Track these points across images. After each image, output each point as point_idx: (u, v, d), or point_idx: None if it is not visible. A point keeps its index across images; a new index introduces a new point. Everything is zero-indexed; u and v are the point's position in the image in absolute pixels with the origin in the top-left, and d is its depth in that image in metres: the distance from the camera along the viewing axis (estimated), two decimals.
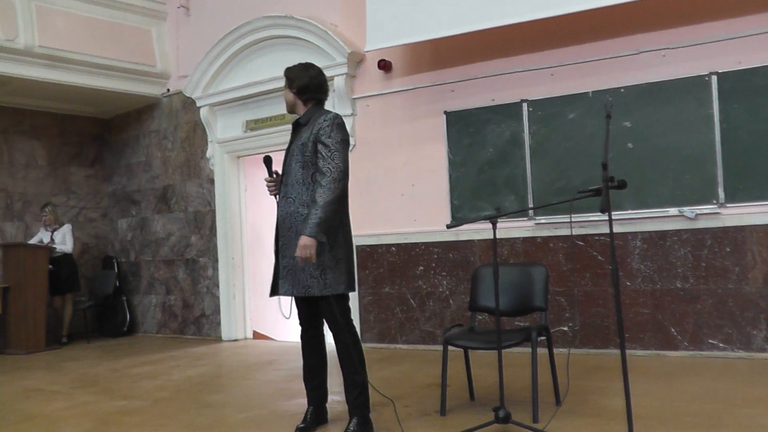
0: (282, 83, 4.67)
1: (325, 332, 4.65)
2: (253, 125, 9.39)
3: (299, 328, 4.63)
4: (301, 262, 4.18)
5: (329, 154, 4.26)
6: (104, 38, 9.71)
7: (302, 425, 4.55)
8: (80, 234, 10.95)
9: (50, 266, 9.80)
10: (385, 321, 8.15)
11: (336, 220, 4.28)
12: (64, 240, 10.08)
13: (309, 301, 4.50)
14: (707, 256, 6.50)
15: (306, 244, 4.12)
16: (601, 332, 6.94)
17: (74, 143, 11.26)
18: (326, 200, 4.16)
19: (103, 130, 11.59)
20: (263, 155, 4.69)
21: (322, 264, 4.27)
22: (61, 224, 10.22)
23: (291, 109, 4.62)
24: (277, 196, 4.53)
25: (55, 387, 6.81)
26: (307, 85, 4.53)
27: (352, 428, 4.34)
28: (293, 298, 4.56)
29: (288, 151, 4.50)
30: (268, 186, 4.59)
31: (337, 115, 4.44)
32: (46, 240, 10.04)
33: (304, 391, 4.67)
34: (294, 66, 4.62)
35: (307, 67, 4.60)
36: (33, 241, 10.06)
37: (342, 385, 4.52)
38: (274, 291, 4.51)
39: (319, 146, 4.30)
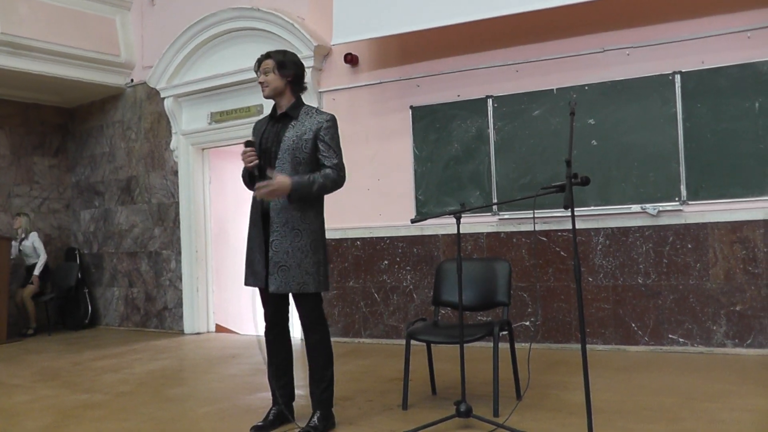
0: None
1: (290, 328, 4.62)
2: (218, 117, 9.32)
3: (264, 325, 4.55)
4: (261, 196, 4.16)
5: (335, 154, 4.34)
6: (68, 26, 9.58)
7: (260, 423, 4.47)
8: (43, 225, 10.83)
9: (34, 287, 10.21)
10: (349, 315, 8.15)
11: (311, 201, 4.30)
12: (34, 250, 10.28)
13: (282, 298, 4.43)
14: (669, 253, 6.57)
15: (282, 186, 4.12)
16: (563, 327, 7.00)
17: (37, 132, 11.10)
18: (325, 183, 4.25)
19: (66, 119, 11.45)
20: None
21: (318, 261, 4.29)
22: (28, 234, 10.35)
23: (273, 96, 4.39)
24: (256, 172, 4.30)
25: (16, 380, 6.73)
26: (300, 75, 4.46)
27: (314, 423, 4.32)
28: (258, 294, 4.48)
29: (276, 140, 4.33)
30: (248, 156, 4.25)
31: (334, 116, 4.46)
32: (14, 253, 10.19)
33: (267, 385, 4.63)
34: (281, 51, 4.48)
35: (294, 54, 4.52)
36: (13, 250, 10.22)
37: (305, 379, 4.49)
38: (251, 282, 4.40)
39: (322, 145, 4.32)
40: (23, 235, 10.29)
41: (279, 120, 4.42)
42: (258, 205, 4.36)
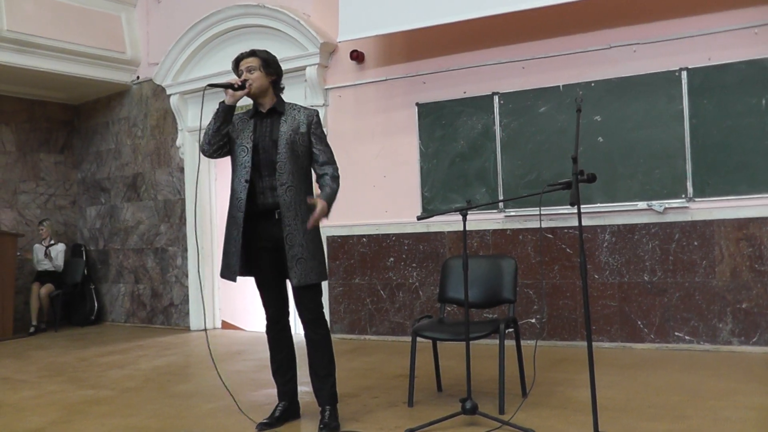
0: None
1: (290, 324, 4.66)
2: None
3: (267, 320, 4.60)
4: (314, 224, 4.26)
5: (327, 148, 4.49)
6: (73, 24, 9.59)
7: (266, 420, 4.49)
8: (50, 221, 10.84)
9: (53, 287, 10.35)
10: (355, 312, 8.16)
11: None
12: (57, 257, 10.46)
13: (283, 294, 4.52)
14: (675, 250, 6.56)
15: (325, 207, 4.27)
16: (569, 324, 6.99)
17: (43, 129, 11.13)
18: (338, 186, 4.46)
19: (72, 116, 11.47)
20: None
21: (322, 250, 4.47)
22: (56, 241, 10.57)
23: (258, 93, 4.40)
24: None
25: (22, 376, 6.75)
26: (281, 77, 4.53)
27: (332, 421, 4.35)
28: (258, 291, 4.55)
29: (270, 135, 4.35)
30: (244, 83, 4.36)
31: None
32: (41, 255, 10.38)
33: (273, 381, 4.65)
34: (264, 50, 4.51)
35: (275, 56, 4.57)
36: (33, 254, 10.50)
37: (307, 375, 4.52)
38: (245, 274, 4.47)
39: (315, 139, 4.43)
40: (51, 242, 10.44)
41: (267, 116, 4.44)
42: (261, 201, 4.35)
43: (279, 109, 4.43)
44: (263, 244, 4.39)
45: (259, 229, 4.38)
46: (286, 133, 4.34)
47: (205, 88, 4.59)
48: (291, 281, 4.30)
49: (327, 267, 4.53)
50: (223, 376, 4.86)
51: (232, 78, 4.46)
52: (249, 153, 4.34)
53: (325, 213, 4.27)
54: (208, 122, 4.42)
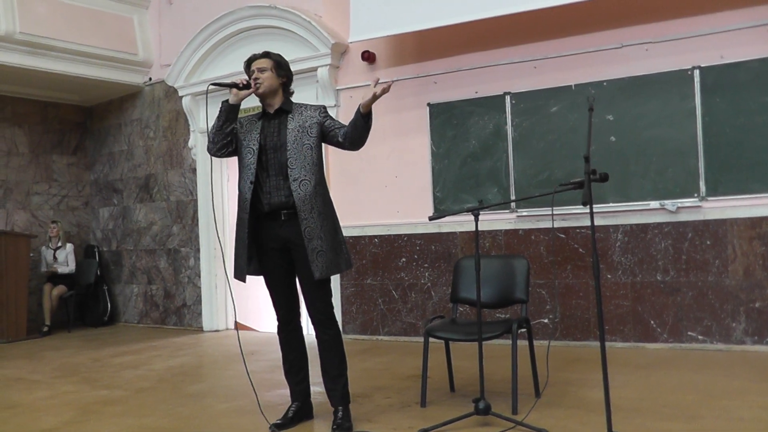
0: None
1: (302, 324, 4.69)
2: None
3: (278, 321, 4.62)
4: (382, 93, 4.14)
5: (344, 124, 4.42)
6: (85, 25, 9.63)
7: (279, 421, 4.50)
8: (62, 223, 10.88)
9: (65, 288, 10.34)
10: (367, 312, 8.16)
11: (366, 131, 4.30)
12: (66, 260, 10.43)
13: (294, 294, 4.55)
14: (688, 249, 6.54)
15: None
16: (582, 324, 6.98)
17: (56, 131, 11.18)
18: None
19: (85, 117, 11.52)
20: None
21: (342, 241, 4.49)
22: (64, 243, 10.52)
23: (267, 93, 4.43)
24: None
25: (36, 376, 6.78)
26: (291, 80, 4.55)
27: (345, 422, 4.36)
28: (268, 292, 4.60)
29: (278, 133, 4.38)
30: (249, 83, 4.42)
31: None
32: (50, 258, 10.39)
33: (285, 382, 4.67)
34: (278, 54, 4.55)
35: (287, 61, 4.61)
36: (42, 258, 10.50)
37: (319, 375, 4.54)
38: (254, 272, 4.54)
39: (332, 122, 4.41)
40: (59, 244, 10.42)
41: (275, 116, 4.47)
42: (268, 201, 4.38)
43: (286, 108, 4.45)
44: (271, 244, 4.42)
45: (267, 229, 4.41)
46: (295, 129, 4.37)
47: (208, 88, 4.60)
48: (313, 274, 4.28)
49: (347, 256, 4.52)
50: (237, 377, 4.88)
51: (237, 77, 4.51)
52: (255, 154, 4.38)
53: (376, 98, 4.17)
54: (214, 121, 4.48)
